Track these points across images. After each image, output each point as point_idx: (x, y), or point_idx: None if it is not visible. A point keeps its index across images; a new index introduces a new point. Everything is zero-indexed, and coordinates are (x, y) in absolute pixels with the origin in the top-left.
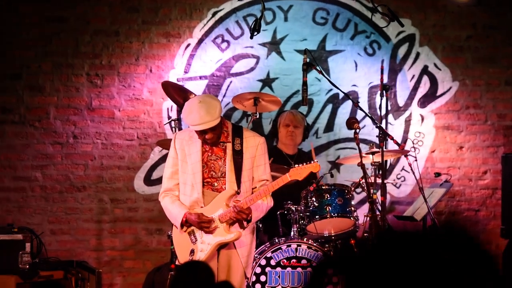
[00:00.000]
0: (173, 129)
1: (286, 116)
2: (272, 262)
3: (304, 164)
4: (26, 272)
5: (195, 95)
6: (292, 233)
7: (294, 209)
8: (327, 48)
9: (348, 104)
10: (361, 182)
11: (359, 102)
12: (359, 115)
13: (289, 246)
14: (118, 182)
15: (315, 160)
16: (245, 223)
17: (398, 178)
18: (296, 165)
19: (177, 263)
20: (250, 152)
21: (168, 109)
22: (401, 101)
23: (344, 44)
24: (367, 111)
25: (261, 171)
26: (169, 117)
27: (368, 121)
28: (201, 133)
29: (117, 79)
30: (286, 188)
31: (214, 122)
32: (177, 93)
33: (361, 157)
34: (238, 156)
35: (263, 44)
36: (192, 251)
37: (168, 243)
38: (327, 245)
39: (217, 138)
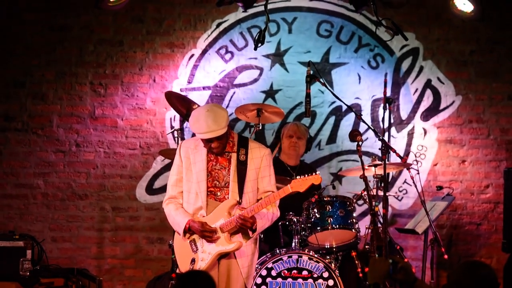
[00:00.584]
0: (176, 138)
1: (289, 127)
2: (273, 273)
3: (306, 175)
4: (26, 279)
5: (198, 105)
6: (293, 244)
7: (295, 220)
8: (330, 61)
9: (351, 117)
10: (363, 194)
11: (362, 115)
12: (362, 127)
13: (290, 257)
14: (120, 190)
15: (317, 172)
16: (250, 232)
17: (400, 191)
18: (298, 177)
19: (177, 271)
20: (255, 163)
21: (171, 118)
22: (404, 114)
23: (348, 57)
24: (370, 123)
25: (266, 182)
26: (171, 127)
27: (371, 133)
28: (207, 142)
29: (120, 88)
30: (288, 199)
31: (220, 132)
32: (180, 103)
33: (363, 169)
34: (242, 167)
35: (267, 56)
36: (193, 260)
37: (169, 252)
38: (328, 257)
39: (222, 148)
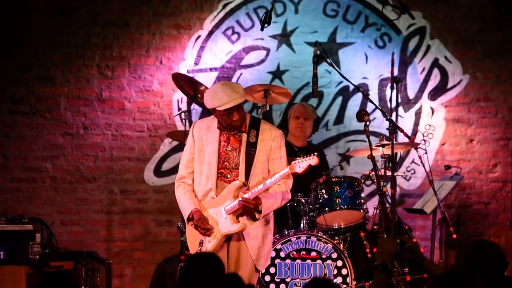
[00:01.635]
0: (183, 120)
1: (296, 108)
2: (282, 254)
3: (303, 158)
4: (36, 263)
5: (206, 87)
6: (301, 225)
7: (304, 201)
8: (337, 41)
9: (359, 97)
10: (371, 174)
11: (369, 95)
12: (369, 107)
13: (299, 238)
14: (128, 173)
15: (315, 153)
16: (257, 214)
17: (408, 171)
18: (296, 160)
19: (187, 253)
20: (266, 145)
21: (178, 100)
22: (411, 94)
23: (355, 37)
24: (377, 103)
25: (277, 164)
26: (179, 109)
27: (378, 113)
28: (228, 115)
29: (127, 70)
30: (295, 180)
31: (242, 98)
32: (187, 85)
33: (371, 149)
34: (251, 149)
35: (274, 36)
36: (201, 242)
37: (178, 235)
38: (336, 238)
39: (241, 121)
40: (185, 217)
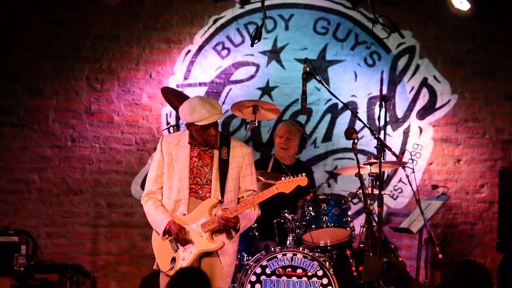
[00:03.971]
0: None
1: (281, 127)
2: (267, 271)
3: (292, 177)
4: (21, 275)
5: None
6: (288, 242)
7: (290, 218)
8: (327, 58)
9: (347, 114)
10: (358, 192)
11: (358, 113)
12: (358, 125)
13: (285, 255)
14: (115, 186)
15: (303, 174)
16: (233, 232)
17: (395, 190)
18: (283, 178)
19: (155, 267)
20: (237, 161)
21: (167, 114)
22: (400, 113)
23: (344, 54)
24: (366, 121)
25: (248, 181)
26: (167, 123)
27: (366, 131)
28: (205, 130)
29: (116, 83)
30: (282, 197)
31: (221, 115)
32: (177, 99)
33: (358, 167)
34: (224, 165)
35: (264, 52)
36: (174, 259)
37: None
38: (322, 255)
39: (217, 137)
40: (160, 230)
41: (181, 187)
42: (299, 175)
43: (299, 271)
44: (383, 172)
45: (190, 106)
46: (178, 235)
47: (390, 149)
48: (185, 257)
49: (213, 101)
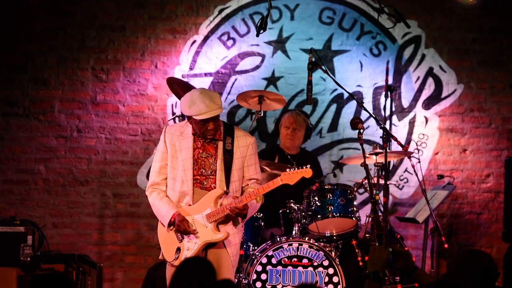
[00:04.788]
0: None
1: (287, 118)
2: (273, 261)
3: (296, 169)
4: (27, 265)
5: None
6: (293, 232)
7: (296, 208)
8: (332, 48)
9: (353, 104)
10: (363, 182)
11: (363, 103)
12: (364, 115)
13: (291, 245)
14: (121, 177)
15: (308, 166)
16: (239, 219)
17: (401, 180)
18: (288, 170)
19: (160, 257)
20: (241, 151)
21: (172, 105)
22: (405, 103)
23: (350, 44)
24: (371, 111)
25: (252, 171)
26: (173, 113)
27: (372, 121)
28: (203, 124)
29: (122, 74)
30: (288, 187)
31: (220, 110)
32: (182, 90)
33: (364, 157)
34: (228, 156)
35: (269, 43)
36: (178, 249)
37: None
38: (328, 245)
39: (215, 131)
40: (165, 222)
41: (185, 178)
42: (304, 167)
43: (305, 261)
44: (389, 162)
45: (190, 99)
46: (180, 227)
47: (395, 139)
48: (190, 247)
49: (214, 94)
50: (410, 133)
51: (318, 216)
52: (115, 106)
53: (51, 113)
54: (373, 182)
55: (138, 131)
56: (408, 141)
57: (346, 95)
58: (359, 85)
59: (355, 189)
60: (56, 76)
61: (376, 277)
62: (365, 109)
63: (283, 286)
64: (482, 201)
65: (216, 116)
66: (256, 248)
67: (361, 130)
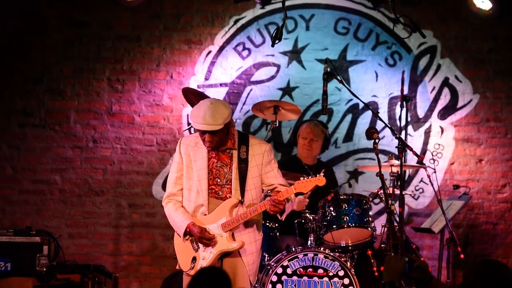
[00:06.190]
0: None
1: (305, 129)
2: (289, 271)
3: (310, 177)
4: (43, 275)
5: None
6: (309, 242)
7: (311, 218)
8: (348, 58)
9: (368, 115)
10: (379, 192)
11: (379, 113)
12: (379, 125)
13: (306, 255)
14: (136, 187)
15: (321, 174)
16: (278, 215)
17: (417, 190)
18: (301, 178)
19: (177, 268)
20: (257, 159)
21: (188, 115)
22: (421, 113)
23: (365, 55)
24: (387, 121)
25: (272, 177)
26: (188, 123)
27: (387, 131)
28: (202, 133)
29: (137, 84)
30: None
31: (214, 127)
32: (197, 100)
33: (379, 167)
34: (243, 164)
35: (284, 53)
36: (194, 259)
37: None
38: (344, 255)
39: (216, 144)
40: (181, 232)
41: (200, 188)
42: (318, 175)
43: (320, 271)
44: (405, 172)
45: (198, 106)
46: (201, 236)
47: (411, 149)
48: (205, 256)
49: (221, 111)
50: (425, 143)
51: (334, 226)
52: (131, 117)
53: (67, 124)
54: (388, 192)
55: (154, 142)
56: (424, 151)
57: (361, 105)
58: (374, 95)
59: (371, 199)
60: (72, 86)
61: (392, 287)
62: (381, 119)
63: None
64: (498, 211)
65: (214, 131)
66: (271, 258)
67: (377, 140)
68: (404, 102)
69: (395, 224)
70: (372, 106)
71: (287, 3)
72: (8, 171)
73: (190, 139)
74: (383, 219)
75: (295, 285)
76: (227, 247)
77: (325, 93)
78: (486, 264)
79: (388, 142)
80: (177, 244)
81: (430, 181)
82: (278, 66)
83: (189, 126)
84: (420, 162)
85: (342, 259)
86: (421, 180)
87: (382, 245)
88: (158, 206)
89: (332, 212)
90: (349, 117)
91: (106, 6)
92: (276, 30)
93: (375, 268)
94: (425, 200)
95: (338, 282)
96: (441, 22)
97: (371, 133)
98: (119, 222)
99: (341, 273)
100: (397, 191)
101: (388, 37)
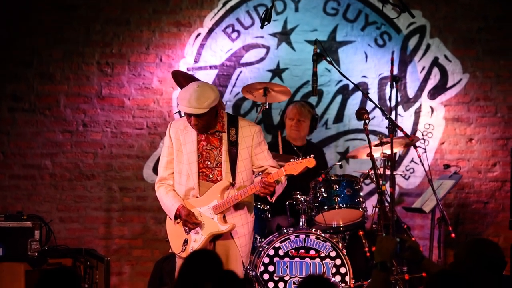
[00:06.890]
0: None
1: (291, 110)
2: (280, 252)
3: (300, 159)
4: (35, 260)
5: None
6: (300, 223)
7: (302, 199)
8: (337, 39)
9: (358, 95)
10: (370, 173)
11: (369, 93)
12: (369, 106)
13: (298, 236)
14: (127, 170)
15: (311, 156)
16: (268, 197)
17: (407, 170)
18: (292, 160)
19: (170, 251)
20: (246, 141)
21: (177, 98)
22: (411, 93)
23: (355, 35)
24: (377, 102)
25: (262, 158)
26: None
27: (377, 112)
28: (188, 116)
29: (127, 68)
30: (294, 178)
31: (198, 110)
32: (187, 82)
33: (370, 148)
34: (233, 147)
35: (274, 34)
36: (186, 241)
37: None
38: (335, 236)
39: (203, 127)
40: (171, 216)
41: (190, 171)
42: (307, 157)
43: (312, 252)
44: (395, 152)
45: (186, 88)
46: (187, 219)
47: (401, 129)
48: (197, 239)
49: (206, 95)
50: (416, 123)
51: (325, 207)
52: (121, 100)
53: (56, 108)
54: (379, 172)
55: (144, 125)
56: (414, 131)
57: (351, 86)
58: (364, 76)
59: (362, 179)
60: (61, 70)
61: (383, 267)
62: (371, 100)
63: (290, 277)
64: (489, 190)
65: (199, 115)
66: (263, 240)
67: (367, 121)
68: (394, 83)
69: (386, 204)
70: (362, 87)
71: None
72: None
73: (180, 123)
74: (374, 199)
75: (287, 267)
76: (218, 229)
77: (314, 74)
78: (477, 243)
79: (379, 122)
80: (169, 227)
81: (421, 161)
82: (268, 48)
83: (179, 110)
84: (411, 143)
85: (334, 240)
86: (412, 160)
87: (374, 226)
88: (149, 189)
89: (323, 193)
90: (339, 98)
91: None
92: (265, 11)
93: (366, 249)
94: (416, 180)
95: (330, 263)
96: (430, 1)
97: (361, 114)
98: (110, 206)
99: (333, 254)
100: (388, 172)
101: (377, 17)
